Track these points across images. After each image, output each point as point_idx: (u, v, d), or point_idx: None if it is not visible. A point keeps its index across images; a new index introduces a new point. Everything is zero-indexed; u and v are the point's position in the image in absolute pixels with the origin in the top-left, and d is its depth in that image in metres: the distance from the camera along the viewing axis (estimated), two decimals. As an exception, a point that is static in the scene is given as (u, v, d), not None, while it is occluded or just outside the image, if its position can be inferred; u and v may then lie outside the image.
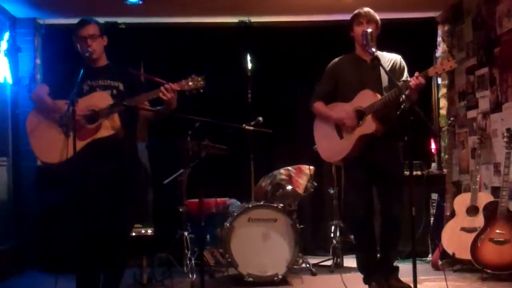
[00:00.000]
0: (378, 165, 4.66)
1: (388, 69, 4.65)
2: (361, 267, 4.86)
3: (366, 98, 4.59)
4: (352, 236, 6.01)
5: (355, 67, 4.78)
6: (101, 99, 4.27)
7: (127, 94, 4.34)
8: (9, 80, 6.50)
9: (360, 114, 4.62)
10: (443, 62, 4.47)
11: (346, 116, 4.64)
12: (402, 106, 4.53)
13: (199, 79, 4.30)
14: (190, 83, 4.29)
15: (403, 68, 4.79)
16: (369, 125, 4.57)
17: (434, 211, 6.27)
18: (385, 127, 4.59)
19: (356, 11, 4.80)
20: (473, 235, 5.47)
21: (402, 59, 4.83)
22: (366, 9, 4.78)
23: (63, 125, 4.17)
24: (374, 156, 4.64)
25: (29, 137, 4.35)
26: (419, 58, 7.01)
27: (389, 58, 4.78)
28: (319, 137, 4.90)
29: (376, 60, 4.57)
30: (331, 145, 4.78)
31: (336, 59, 4.91)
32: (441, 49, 7.04)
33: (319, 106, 4.83)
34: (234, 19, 7.10)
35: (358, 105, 4.63)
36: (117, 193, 4.31)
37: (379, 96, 4.55)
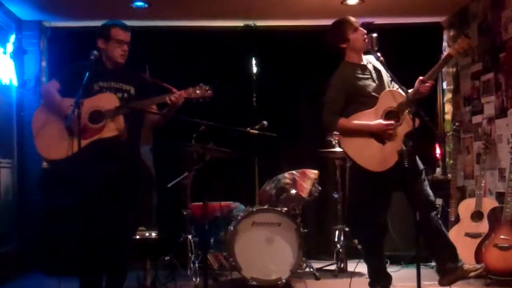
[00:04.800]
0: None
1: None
2: (373, 272, 4.87)
3: (391, 98, 4.59)
4: (356, 241, 6.05)
5: (362, 74, 4.73)
6: (108, 100, 4.28)
7: (137, 99, 4.36)
8: (15, 82, 6.51)
9: (392, 115, 4.60)
10: (459, 41, 4.54)
11: (384, 121, 4.58)
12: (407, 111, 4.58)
13: (207, 88, 4.33)
14: (198, 92, 4.32)
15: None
16: (411, 121, 4.52)
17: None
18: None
19: (341, 20, 4.77)
20: (478, 240, 5.46)
21: None
22: (348, 16, 4.81)
23: (68, 126, 4.17)
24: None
25: (34, 132, 4.35)
26: (424, 63, 6.96)
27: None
28: (356, 151, 4.67)
29: (382, 63, 4.66)
30: (377, 153, 4.61)
31: (338, 72, 4.78)
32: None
33: (344, 122, 4.65)
34: (239, 23, 7.11)
35: (387, 107, 4.60)
36: (120, 196, 4.32)
37: (402, 93, 4.56)
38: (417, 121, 4.42)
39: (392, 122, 4.58)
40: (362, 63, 4.74)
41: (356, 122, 4.66)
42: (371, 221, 4.77)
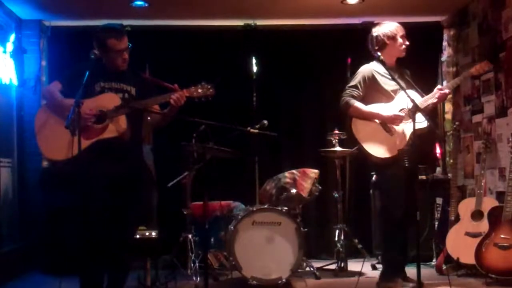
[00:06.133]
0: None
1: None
2: (391, 266, 5.01)
3: (408, 99, 4.69)
4: (356, 240, 6.07)
5: (388, 73, 4.89)
6: (109, 100, 4.27)
7: (138, 99, 4.35)
8: (15, 82, 6.51)
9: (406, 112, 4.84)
10: (482, 64, 5.01)
11: (395, 114, 4.85)
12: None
13: (209, 87, 4.33)
14: (200, 90, 4.32)
15: None
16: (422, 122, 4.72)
17: (439, 215, 6.26)
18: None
19: (396, 25, 5.02)
20: (478, 240, 5.46)
21: None
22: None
23: (68, 126, 4.16)
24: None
25: (36, 132, 4.35)
26: (425, 63, 7.01)
27: None
28: (364, 136, 4.96)
29: (382, 63, 4.77)
30: (382, 142, 4.90)
31: (369, 64, 5.05)
32: (446, 54, 7.03)
33: (360, 106, 4.94)
34: (239, 22, 7.11)
35: (403, 105, 4.84)
36: (121, 195, 4.31)
37: (419, 97, 4.78)
38: (426, 124, 4.67)
39: (403, 114, 4.84)
40: (392, 65, 4.96)
41: (370, 109, 4.93)
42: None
